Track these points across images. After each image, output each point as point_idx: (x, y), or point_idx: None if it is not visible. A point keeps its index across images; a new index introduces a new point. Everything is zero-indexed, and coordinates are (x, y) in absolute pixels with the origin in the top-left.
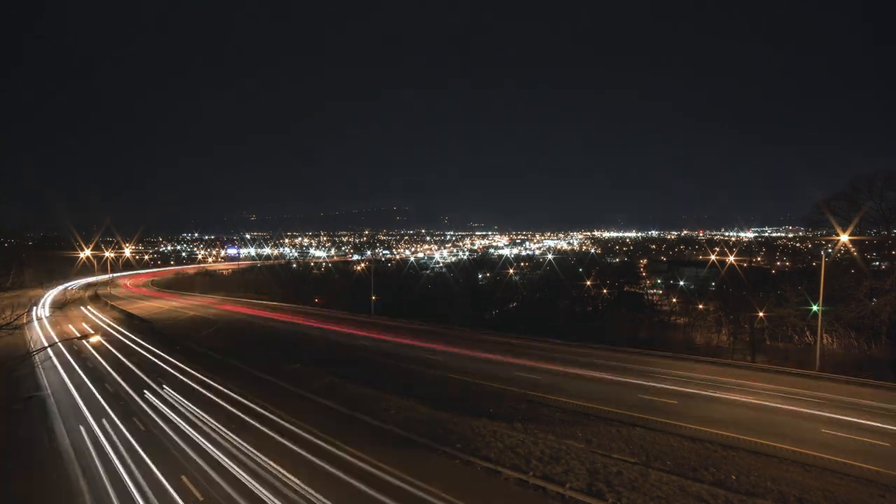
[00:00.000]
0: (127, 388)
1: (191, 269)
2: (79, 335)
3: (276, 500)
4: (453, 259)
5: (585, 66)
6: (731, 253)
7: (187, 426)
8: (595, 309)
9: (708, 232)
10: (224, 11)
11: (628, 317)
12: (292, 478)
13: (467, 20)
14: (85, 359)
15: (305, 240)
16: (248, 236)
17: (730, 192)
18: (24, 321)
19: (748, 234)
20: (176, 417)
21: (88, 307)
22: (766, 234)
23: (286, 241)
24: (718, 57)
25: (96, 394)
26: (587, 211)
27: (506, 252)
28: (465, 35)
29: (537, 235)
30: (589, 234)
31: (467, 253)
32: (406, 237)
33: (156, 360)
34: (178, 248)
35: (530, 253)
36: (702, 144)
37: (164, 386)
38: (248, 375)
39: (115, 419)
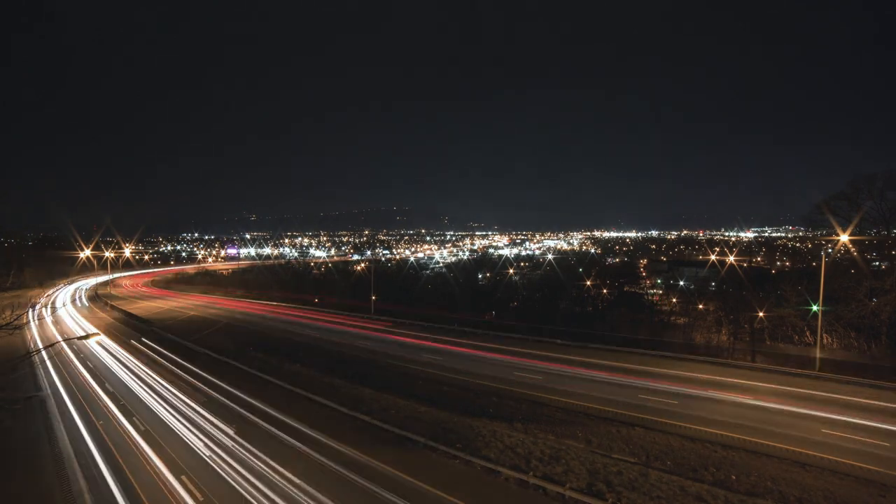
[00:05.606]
0: (127, 387)
1: (191, 268)
2: (79, 335)
3: (277, 499)
4: (453, 259)
5: (586, 67)
6: (731, 253)
7: (186, 426)
8: (595, 309)
9: (708, 232)
10: (222, 15)
11: (628, 317)
12: (291, 476)
13: (468, 28)
14: (85, 358)
15: (305, 240)
16: (248, 236)
17: (730, 193)
18: (25, 321)
19: (748, 234)
20: (176, 416)
21: (88, 307)
22: (766, 234)
23: (286, 241)
24: (719, 57)
25: (97, 393)
26: (587, 211)
27: (506, 252)
28: (467, 41)
29: (537, 235)
30: (589, 234)
31: (467, 253)
32: (406, 237)
33: (156, 360)
34: (178, 247)
35: (530, 253)
36: (702, 145)
37: (165, 385)
38: (247, 375)
39: (116, 419)
